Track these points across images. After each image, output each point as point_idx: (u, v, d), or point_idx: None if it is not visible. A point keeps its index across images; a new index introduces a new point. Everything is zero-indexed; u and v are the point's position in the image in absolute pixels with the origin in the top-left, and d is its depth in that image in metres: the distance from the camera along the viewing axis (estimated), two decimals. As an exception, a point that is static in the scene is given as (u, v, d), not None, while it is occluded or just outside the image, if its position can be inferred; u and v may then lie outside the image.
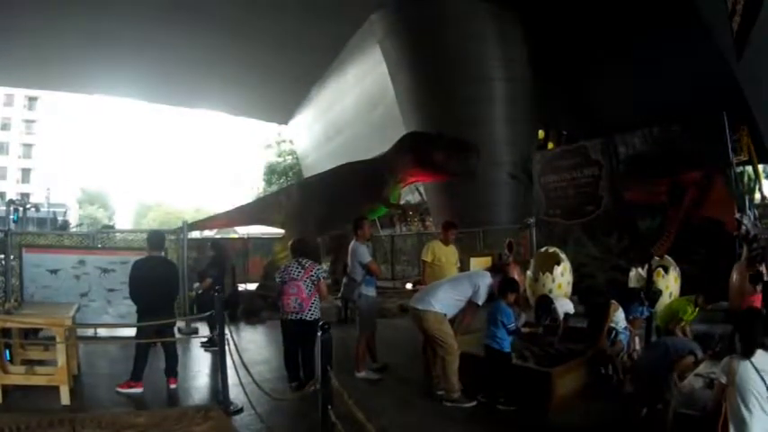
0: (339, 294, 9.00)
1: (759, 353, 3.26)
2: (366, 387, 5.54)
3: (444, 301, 5.01)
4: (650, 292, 6.08)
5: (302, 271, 5.41)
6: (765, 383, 3.17)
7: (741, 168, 11.29)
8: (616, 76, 14.94)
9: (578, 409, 4.66)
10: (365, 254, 6.01)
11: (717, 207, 8.18)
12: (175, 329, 6.64)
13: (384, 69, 18.66)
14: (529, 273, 9.07)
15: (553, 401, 4.65)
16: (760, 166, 13.01)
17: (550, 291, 8.32)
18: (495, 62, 15.83)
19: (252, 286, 12.02)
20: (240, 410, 4.80)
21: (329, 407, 3.37)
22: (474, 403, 4.81)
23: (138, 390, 5.32)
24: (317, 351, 3.55)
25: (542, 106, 16.48)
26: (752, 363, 3.21)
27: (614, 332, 5.23)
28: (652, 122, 9.25)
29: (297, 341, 5.29)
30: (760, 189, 13.80)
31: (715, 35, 11.81)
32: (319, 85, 26.95)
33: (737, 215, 8.09)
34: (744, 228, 7.92)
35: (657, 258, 7.59)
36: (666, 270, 7.41)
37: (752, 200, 9.79)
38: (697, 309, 5.80)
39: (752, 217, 8.46)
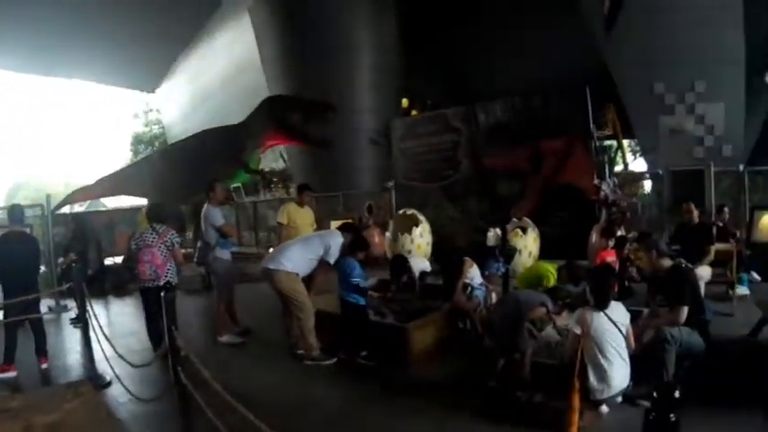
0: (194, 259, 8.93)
1: (613, 304, 3.51)
2: (228, 350, 5.64)
3: (295, 260, 5.06)
4: (506, 250, 6.45)
5: (156, 237, 5.30)
6: (621, 333, 3.44)
7: (607, 142, 12.18)
8: (489, 51, 15.42)
9: (438, 363, 4.84)
10: (218, 216, 5.96)
11: (577, 174, 8.80)
12: (45, 307, 6.42)
13: (252, 36, 18.34)
14: (388, 234, 9.41)
15: (412, 356, 4.83)
16: (625, 141, 14.10)
17: (410, 251, 8.66)
18: (363, 31, 15.89)
19: (120, 259, 11.61)
20: (109, 384, 4.80)
21: (179, 368, 3.35)
22: (334, 360, 4.95)
23: (12, 373, 5.14)
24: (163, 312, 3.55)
25: (409, 77, 16.73)
26: (606, 314, 3.45)
27: (470, 288, 5.45)
28: (516, 94, 9.77)
29: (156, 308, 5.07)
30: (623, 160, 15.05)
31: (586, 16, 12.54)
32: (187, 53, 26.27)
33: (596, 181, 8.85)
34: (603, 193, 8.68)
35: (516, 220, 8.14)
36: (525, 231, 7.99)
37: (612, 169, 10.64)
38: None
39: (611, 184, 9.22)
